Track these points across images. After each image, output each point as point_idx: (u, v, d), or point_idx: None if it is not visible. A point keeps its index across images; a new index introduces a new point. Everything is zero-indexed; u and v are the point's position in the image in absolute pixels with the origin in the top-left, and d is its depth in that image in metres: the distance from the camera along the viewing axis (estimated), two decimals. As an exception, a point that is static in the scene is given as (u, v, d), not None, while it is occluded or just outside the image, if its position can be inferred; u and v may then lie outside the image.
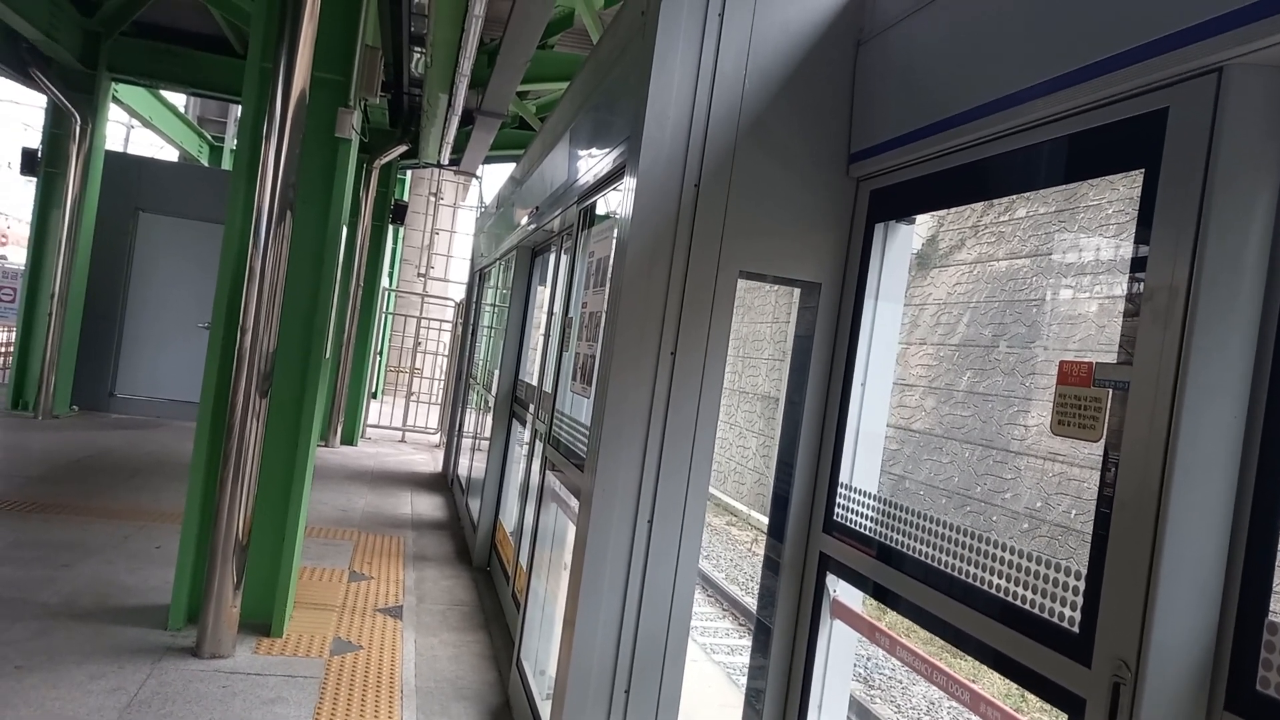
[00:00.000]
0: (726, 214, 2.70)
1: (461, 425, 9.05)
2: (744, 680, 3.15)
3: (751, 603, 7.80)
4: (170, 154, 15.90)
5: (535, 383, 5.14)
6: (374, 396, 13.70)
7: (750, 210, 2.73)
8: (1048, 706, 1.72)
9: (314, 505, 6.93)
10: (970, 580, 1.98)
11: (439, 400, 13.35)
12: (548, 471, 3.84)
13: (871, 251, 2.69)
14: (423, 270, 19.94)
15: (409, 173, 16.77)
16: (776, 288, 10.59)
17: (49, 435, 8.63)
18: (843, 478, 2.67)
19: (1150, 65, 1.64)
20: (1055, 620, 1.72)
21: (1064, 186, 3.83)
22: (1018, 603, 1.82)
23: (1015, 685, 1.83)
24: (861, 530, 2.49)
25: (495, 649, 4.50)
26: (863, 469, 2.69)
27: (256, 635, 4.12)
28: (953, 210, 9.39)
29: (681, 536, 2.71)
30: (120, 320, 10.78)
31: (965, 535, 2.03)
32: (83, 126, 9.55)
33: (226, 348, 4.06)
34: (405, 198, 16.93)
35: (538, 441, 4.55)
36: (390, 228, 12.24)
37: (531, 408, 5.14)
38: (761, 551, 3.44)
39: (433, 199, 20.41)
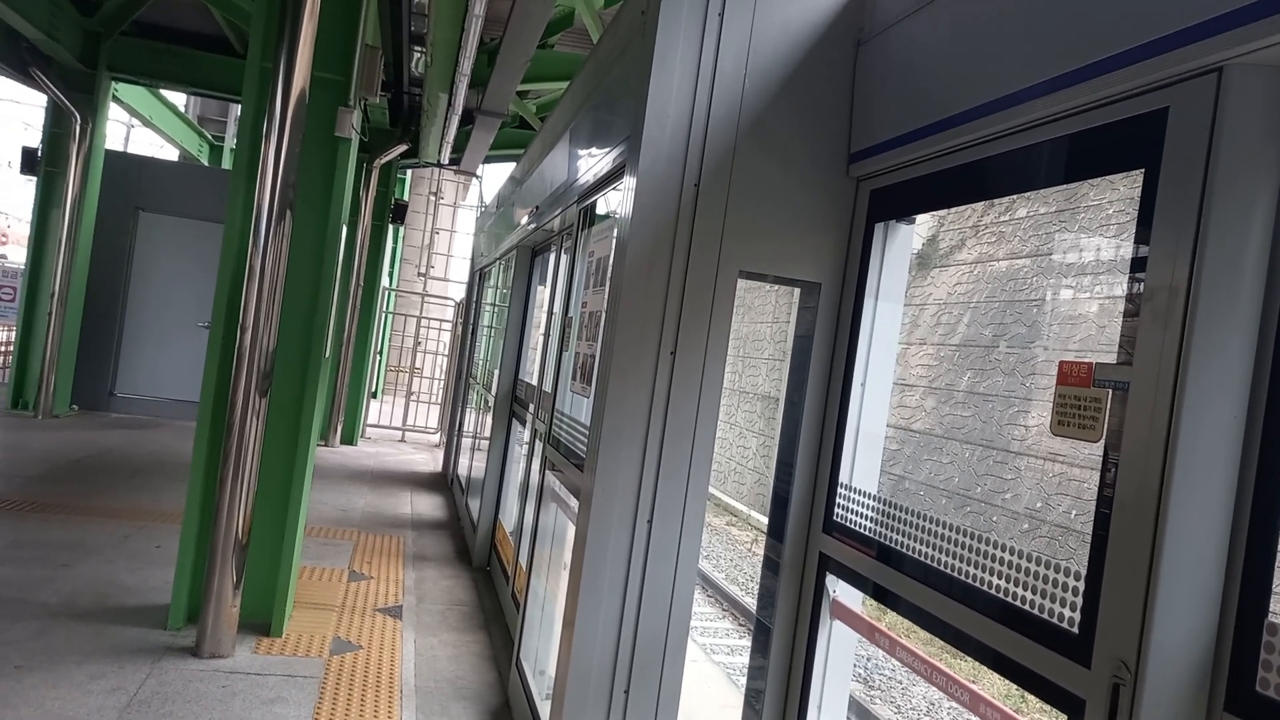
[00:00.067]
0: (726, 214, 2.70)
1: (461, 425, 9.05)
2: (744, 680, 3.15)
3: (751, 603, 7.80)
4: (170, 153, 15.90)
5: (535, 382, 5.14)
6: (374, 396, 13.69)
7: (750, 210, 2.72)
8: (1047, 707, 1.72)
9: (314, 505, 6.93)
10: (970, 581, 1.98)
11: (439, 400, 13.35)
12: (547, 471, 3.84)
13: (871, 251, 2.69)
14: (423, 270, 19.95)
15: (409, 172, 16.77)
16: (777, 288, 10.59)
17: (49, 435, 8.63)
18: (842, 478, 2.67)
19: (1150, 65, 1.63)
20: (1055, 621, 1.72)
21: (1064, 186, 3.83)
22: (1017, 603, 1.82)
23: (1015, 686, 1.83)
24: (861, 531, 2.49)
25: (495, 649, 4.50)
26: (863, 469, 2.69)
27: (256, 635, 4.12)
28: (953, 210, 9.39)
29: (681, 536, 2.71)
30: (120, 319, 10.78)
31: (965, 536, 2.03)
32: (83, 126, 9.55)
33: (226, 347, 4.05)
34: (405, 197, 16.93)
35: (537, 441, 4.55)
36: (390, 227, 12.24)
37: (531, 407, 5.14)
38: (761, 551, 3.44)
39: (433, 198, 20.41)
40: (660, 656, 2.72)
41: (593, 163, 3.58)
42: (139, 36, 9.75)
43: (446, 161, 11.18)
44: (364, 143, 10.18)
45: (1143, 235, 1.64)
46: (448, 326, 13.78)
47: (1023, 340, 8.30)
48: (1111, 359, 1.68)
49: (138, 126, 17.43)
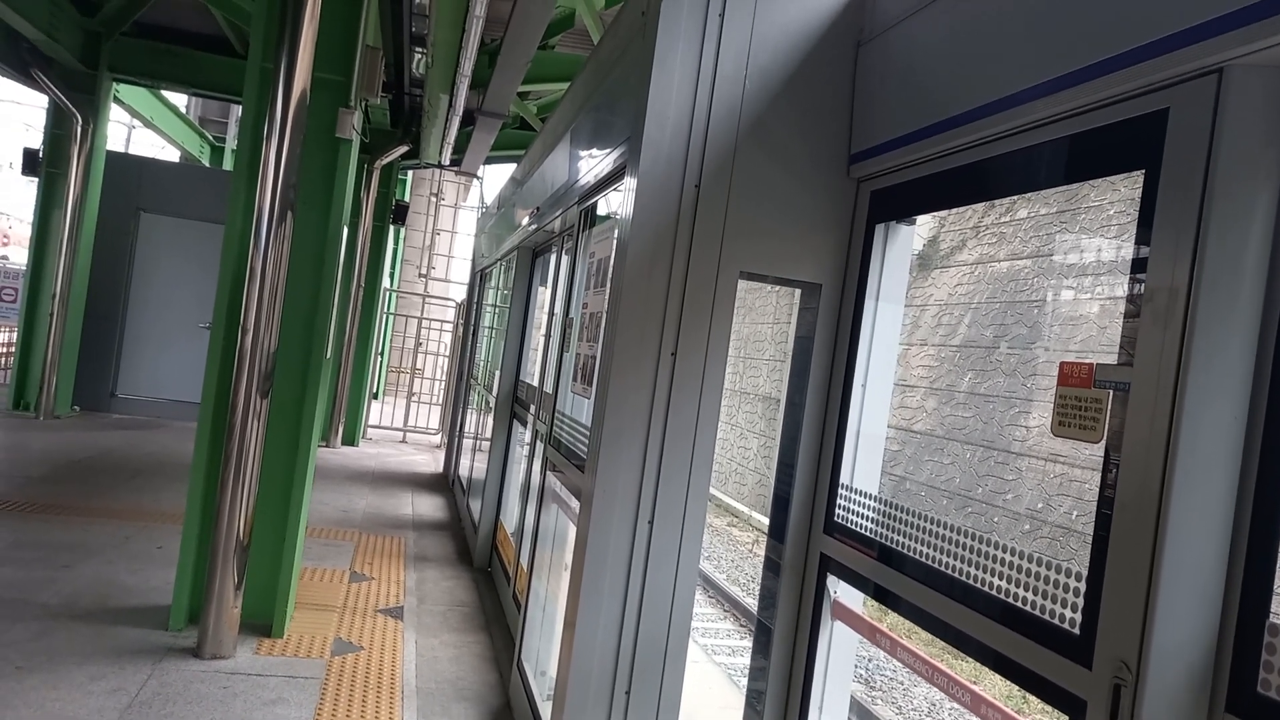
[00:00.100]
0: (727, 215, 2.70)
1: (462, 426, 9.05)
2: (745, 681, 3.15)
3: (752, 604, 7.79)
4: (171, 154, 15.91)
5: (536, 383, 5.15)
6: (375, 397, 13.70)
7: (751, 211, 2.72)
8: (1048, 708, 1.72)
9: (315, 506, 6.93)
10: (971, 582, 1.98)
11: (440, 401, 13.35)
12: (548, 472, 3.84)
13: (872, 252, 2.68)
14: (424, 271, 19.95)
15: (410, 173, 16.77)
16: (777, 288, 10.59)
17: (50, 436, 8.63)
18: (843, 479, 2.67)
19: (1150, 66, 1.63)
20: (1056, 622, 1.72)
21: (1065, 187, 3.82)
22: (1018, 604, 1.82)
23: (1016, 687, 1.83)
24: (862, 531, 2.49)
25: (496, 650, 4.50)
26: (863, 470, 2.69)
27: (257, 636, 4.12)
28: (954, 211, 9.38)
29: (682, 538, 2.71)
30: (121, 320, 10.79)
31: (966, 536, 2.03)
32: (84, 127, 9.56)
33: (227, 348, 4.06)
34: (406, 198, 16.92)
35: (538, 442, 4.55)
36: (391, 228, 12.24)
37: (532, 408, 5.14)
38: (762, 552, 3.44)
39: (434, 199, 20.42)
40: (661, 658, 2.72)
41: (593, 164, 3.58)
42: (140, 37, 9.76)
43: (447, 162, 11.18)
44: (365, 144, 10.19)
45: (1143, 236, 1.64)
46: (449, 328, 13.78)
47: (1023, 341, 8.30)
48: (1112, 360, 1.68)
49: (139, 127, 17.44)
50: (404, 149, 10.35)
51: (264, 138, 3.85)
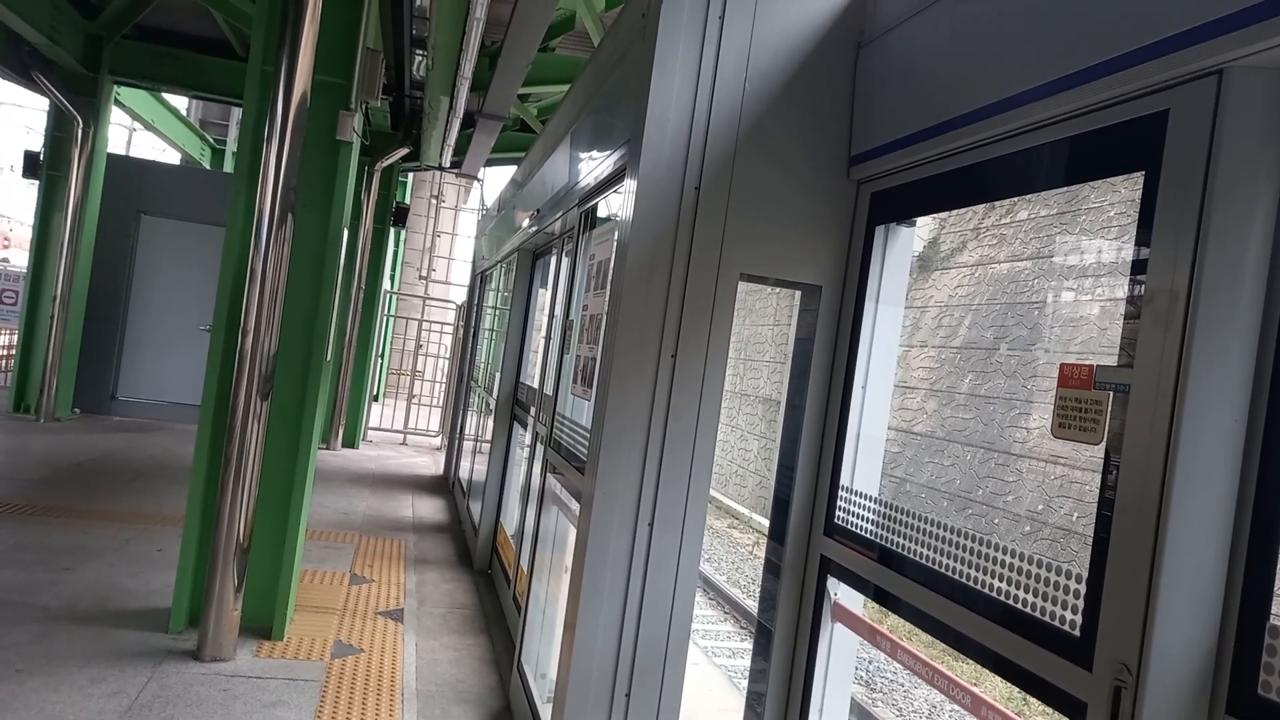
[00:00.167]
0: (727, 217, 2.70)
1: (463, 428, 9.06)
2: (745, 683, 3.14)
3: (753, 606, 7.79)
4: (172, 157, 15.93)
5: (536, 385, 5.14)
6: (375, 399, 13.70)
7: (751, 213, 2.72)
8: (1049, 710, 1.72)
9: (315, 508, 6.93)
10: (971, 584, 1.98)
11: (440, 403, 13.35)
12: (549, 474, 3.84)
13: (872, 254, 2.69)
14: (424, 273, 19.95)
15: (410, 175, 16.79)
16: (778, 290, 10.60)
17: (50, 438, 8.63)
18: (844, 481, 2.67)
19: (1150, 67, 1.63)
20: (1056, 624, 1.72)
21: (1065, 189, 3.82)
22: (1019, 606, 1.82)
23: (1016, 689, 1.83)
24: (862, 533, 2.49)
25: (496, 652, 4.50)
26: (864, 472, 2.69)
27: (257, 638, 4.12)
28: (954, 213, 9.38)
29: (682, 540, 2.71)
30: (122, 323, 10.79)
31: (966, 538, 2.03)
32: (85, 129, 9.57)
33: (228, 351, 4.06)
34: (407, 200, 16.94)
35: (539, 444, 4.55)
36: (392, 230, 12.25)
37: (533, 410, 5.14)
38: (762, 554, 3.44)
39: (434, 202, 20.43)
40: (661, 660, 2.72)
41: (593, 166, 3.59)
42: (141, 40, 9.77)
43: (448, 165, 11.19)
44: (365, 146, 10.20)
45: (1143, 238, 1.64)
46: (449, 329, 13.78)
47: (1024, 343, 8.30)
48: (1112, 362, 1.67)
49: (139, 130, 17.44)
50: (404, 151, 10.36)
51: (264, 140, 3.85)
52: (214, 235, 10.06)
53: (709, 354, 2.71)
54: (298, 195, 3.90)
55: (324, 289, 4.30)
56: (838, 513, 2.64)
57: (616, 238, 2.90)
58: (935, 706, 6.59)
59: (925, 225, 9.86)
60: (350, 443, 11.13)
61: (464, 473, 8.15)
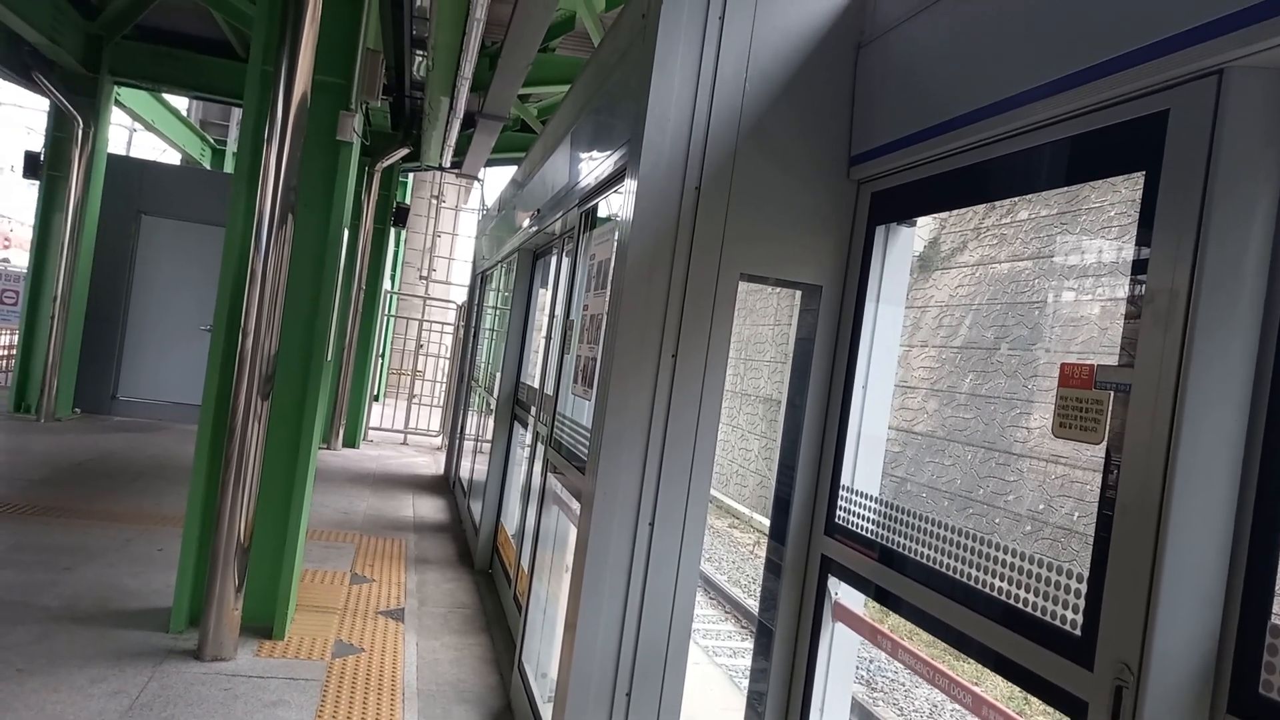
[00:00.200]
0: (727, 217, 2.71)
1: (463, 428, 9.06)
2: (746, 683, 3.14)
3: (753, 605, 7.79)
4: (172, 157, 15.93)
5: (537, 385, 5.15)
6: (376, 399, 13.70)
7: (751, 213, 2.73)
8: (1050, 710, 1.72)
9: (316, 508, 6.93)
10: (972, 583, 1.98)
11: (441, 403, 13.35)
12: (549, 474, 3.84)
13: (873, 254, 2.69)
14: (424, 273, 19.95)
15: (411, 176, 16.79)
16: (778, 290, 10.60)
17: (51, 438, 8.64)
18: (844, 480, 2.67)
19: (1151, 67, 1.64)
20: (1057, 623, 1.72)
21: (1065, 189, 3.83)
22: (1020, 605, 1.82)
23: (1017, 688, 1.83)
24: (863, 533, 2.49)
25: (497, 652, 4.50)
26: (864, 472, 2.69)
27: (258, 638, 4.12)
28: (954, 213, 9.38)
29: (683, 540, 2.71)
30: (122, 323, 10.79)
31: (967, 538, 2.03)
32: (85, 130, 9.57)
33: (228, 351, 4.06)
34: (407, 201, 16.94)
35: (539, 444, 4.55)
36: (392, 231, 12.25)
37: (533, 410, 5.14)
38: (763, 554, 3.44)
39: (434, 202, 20.43)
40: (662, 660, 2.72)
41: (594, 166, 3.59)
42: (141, 40, 9.77)
43: (448, 165, 11.20)
44: (365, 146, 10.20)
45: (1143, 238, 1.64)
46: (449, 329, 13.78)
47: (1024, 342, 8.30)
48: (1113, 361, 1.68)
49: (140, 130, 17.45)
50: (405, 151, 10.36)
51: (265, 141, 3.85)
52: (214, 235, 10.06)
53: (709, 354, 2.71)
54: (298, 195, 3.90)
55: (324, 289, 4.30)
56: (838, 512, 2.64)
57: (617, 238, 2.90)
58: (936, 706, 6.59)
59: (925, 225, 9.86)
60: (351, 443, 11.13)
61: (465, 472, 8.15)
